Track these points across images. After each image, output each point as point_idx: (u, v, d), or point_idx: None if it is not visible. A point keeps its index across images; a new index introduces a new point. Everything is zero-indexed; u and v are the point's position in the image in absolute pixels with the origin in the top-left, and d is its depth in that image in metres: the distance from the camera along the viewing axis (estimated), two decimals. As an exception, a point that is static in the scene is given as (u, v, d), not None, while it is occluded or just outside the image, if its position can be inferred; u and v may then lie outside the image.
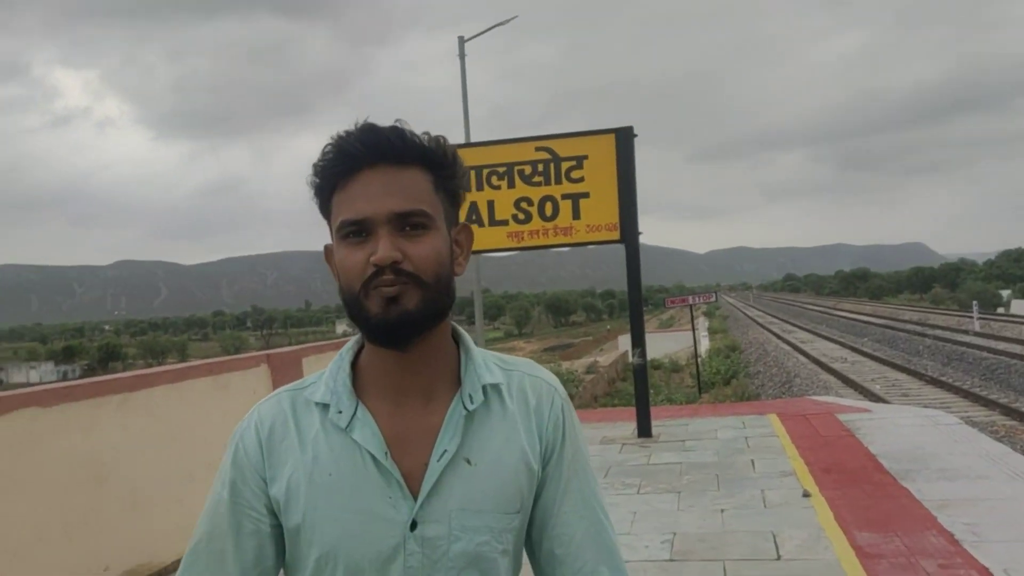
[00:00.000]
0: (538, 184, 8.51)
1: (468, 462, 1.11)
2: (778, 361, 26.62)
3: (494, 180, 8.54)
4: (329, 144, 1.08)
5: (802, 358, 26.29)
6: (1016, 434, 11.41)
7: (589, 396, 21.74)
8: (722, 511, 5.71)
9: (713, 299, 26.45)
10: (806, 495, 5.88)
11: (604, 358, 32.70)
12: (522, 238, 8.58)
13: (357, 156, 1.06)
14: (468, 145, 9.84)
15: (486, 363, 1.17)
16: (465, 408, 1.12)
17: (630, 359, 9.52)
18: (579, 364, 27.98)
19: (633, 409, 8.88)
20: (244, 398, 6.35)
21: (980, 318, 33.96)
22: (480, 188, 8.57)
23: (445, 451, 1.10)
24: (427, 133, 1.10)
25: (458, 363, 1.17)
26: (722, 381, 24.05)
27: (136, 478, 5.18)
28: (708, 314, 75.76)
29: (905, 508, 5.42)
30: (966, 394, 15.43)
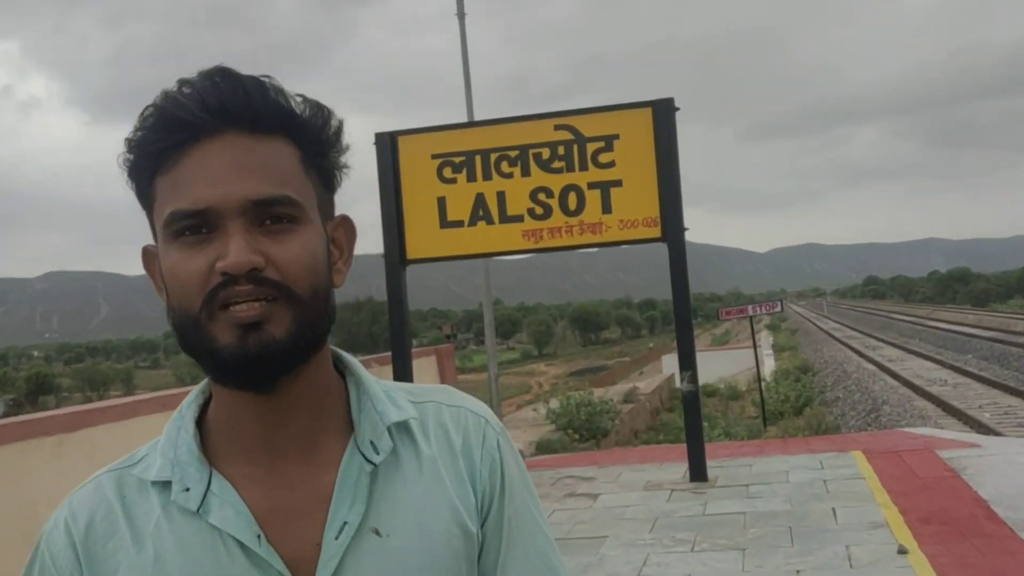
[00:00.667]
0: (559, 171, 8.52)
1: (377, 534, 0.98)
2: (861, 384, 26.50)
3: (505, 167, 8.56)
4: (151, 106, 0.94)
5: (891, 381, 26.17)
6: None
7: (628, 431, 21.69)
8: (798, 572, 5.69)
9: (778, 309, 26.43)
10: (902, 552, 5.84)
11: (645, 383, 32.66)
12: (540, 237, 8.59)
13: (194, 121, 0.92)
14: (472, 124, 9.89)
15: (388, 395, 1.05)
16: (368, 460, 1.00)
17: (678, 384, 9.50)
18: (615, 391, 27.95)
19: (683, 446, 8.86)
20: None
21: (1111, 328, 33.66)
22: (488, 177, 8.59)
23: (345, 523, 0.97)
24: (300, 94, 0.99)
25: (347, 401, 1.05)
26: (792, 411, 23.96)
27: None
28: (772, 327, 75.60)
29: (1026, 566, 5.37)
30: (1097, 423, 15.30)
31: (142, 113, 0.94)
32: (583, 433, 17.83)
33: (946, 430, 14.04)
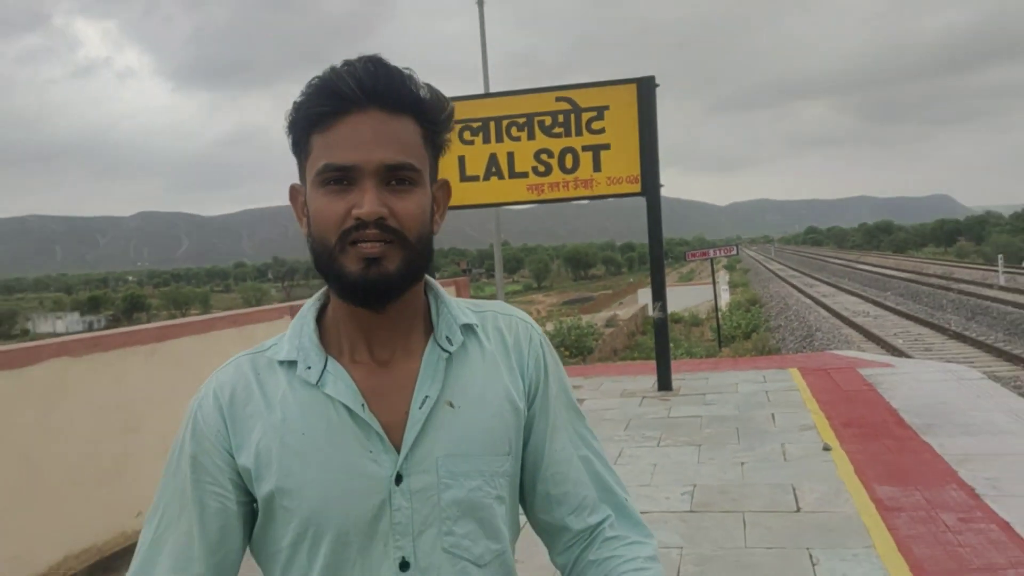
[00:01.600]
0: (558, 135, 8.44)
1: (451, 405, 1.06)
2: (799, 315, 26.51)
3: (514, 131, 8.48)
4: (318, 77, 0.99)
5: (824, 312, 26.16)
6: (1039, 389, 11.35)
7: (609, 349, 21.80)
8: (742, 464, 5.76)
9: (734, 252, 26.30)
10: (826, 449, 5.90)
11: (624, 312, 32.71)
12: (542, 191, 8.54)
13: (354, 94, 0.97)
14: (487, 96, 9.74)
15: (459, 307, 1.12)
16: (444, 350, 1.07)
17: (650, 313, 9.52)
18: (599, 318, 28.02)
19: (653, 363, 8.91)
20: (268, 349, 6.43)
21: (1006, 272, 33.54)
22: (500, 140, 8.51)
23: (427, 397, 1.04)
24: (427, 84, 1.03)
25: (428, 311, 1.11)
26: (743, 335, 24.03)
27: (165, 428, 5.28)
28: (729, 268, 75.37)
29: (926, 462, 5.43)
30: (990, 349, 15.34)
31: (310, 82, 1.00)
32: (572, 350, 17.93)
33: (866, 352, 14.08)
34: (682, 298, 36.01)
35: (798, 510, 4.76)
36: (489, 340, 1.12)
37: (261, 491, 1.03)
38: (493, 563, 1.08)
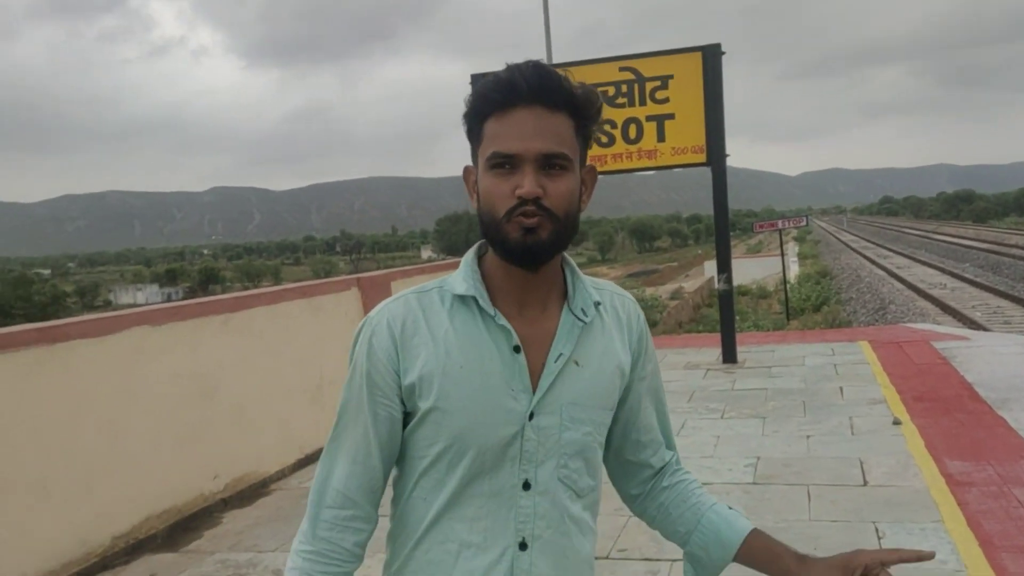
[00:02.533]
0: (622, 106, 8.36)
1: (577, 364, 1.26)
2: (872, 287, 25.82)
3: (577, 103, 8.44)
4: (493, 74, 1.19)
5: (898, 284, 25.43)
6: None
7: (674, 322, 21.65)
8: (808, 437, 5.69)
9: (804, 223, 25.65)
10: (896, 423, 5.79)
11: (689, 284, 32.38)
12: (605, 162, 8.48)
13: (520, 92, 1.16)
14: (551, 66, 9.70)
15: (589, 284, 1.33)
16: (580, 320, 1.27)
17: (716, 285, 9.42)
18: (663, 290, 27.81)
19: (718, 335, 8.83)
20: (336, 320, 6.59)
21: (1095, 243, 31.98)
22: (564, 111, 8.49)
23: (561, 354, 1.25)
24: (580, 83, 1.21)
25: (564, 281, 1.31)
26: (812, 308, 23.56)
27: (240, 394, 5.49)
28: (799, 239, 73.64)
29: (1000, 437, 5.29)
30: (1074, 322, 14.71)
31: (486, 78, 1.20)
32: (637, 322, 17.86)
33: (942, 326, 13.67)
34: (750, 270, 35.39)
35: (865, 484, 4.69)
36: (608, 315, 1.33)
37: (422, 406, 1.23)
38: (589, 496, 1.31)
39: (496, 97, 1.17)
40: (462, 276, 1.27)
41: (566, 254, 1.31)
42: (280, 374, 5.90)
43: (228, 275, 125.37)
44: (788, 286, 23.97)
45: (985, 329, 13.88)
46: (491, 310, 1.23)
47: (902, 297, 21.69)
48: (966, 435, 5.41)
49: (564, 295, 1.30)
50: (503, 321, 1.23)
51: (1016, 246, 37.94)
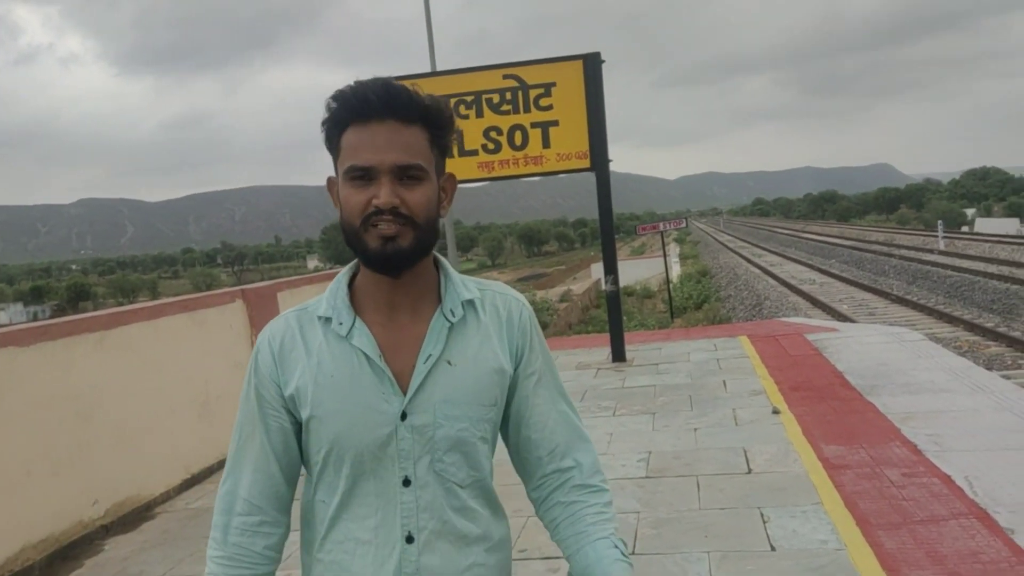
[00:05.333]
0: (507, 113, 8.43)
1: (449, 363, 1.31)
2: (748, 285, 26.98)
3: (462, 109, 8.43)
4: (348, 88, 1.24)
5: (772, 281, 26.67)
6: (978, 349, 11.77)
7: (563, 324, 21.96)
8: (695, 430, 5.89)
9: (683, 225, 26.58)
10: (775, 412, 6.07)
11: (577, 286, 32.93)
12: (492, 168, 8.54)
13: (373, 107, 1.22)
14: (435, 74, 9.68)
15: (463, 283, 1.37)
16: (448, 320, 1.33)
17: (603, 287, 9.62)
18: (553, 293, 28.17)
19: (607, 335, 9.02)
20: (221, 333, 6.36)
21: (945, 237, 34.55)
22: (450, 117, 8.47)
23: (430, 355, 1.30)
24: (430, 96, 1.27)
25: (438, 283, 1.36)
26: (694, 306, 24.41)
27: (120, 415, 5.21)
28: (679, 240, 76.22)
29: (870, 421, 5.62)
30: (930, 311, 15.81)
31: (335, 93, 1.25)
32: (528, 326, 18.00)
33: (813, 319, 14.43)
34: (634, 271, 36.33)
35: (749, 472, 4.90)
36: (486, 313, 1.37)
37: (303, 415, 1.31)
38: (473, 486, 1.35)
39: (350, 112, 1.23)
40: (326, 296, 1.35)
41: (441, 257, 1.39)
42: (163, 392, 5.64)
43: (100, 291, 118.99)
44: (671, 285, 24.76)
45: (852, 321, 14.75)
46: (344, 332, 1.30)
47: (776, 293, 22.77)
48: (839, 421, 5.72)
49: (439, 297, 1.35)
50: (356, 341, 1.29)
51: (876, 242, 40.55)
